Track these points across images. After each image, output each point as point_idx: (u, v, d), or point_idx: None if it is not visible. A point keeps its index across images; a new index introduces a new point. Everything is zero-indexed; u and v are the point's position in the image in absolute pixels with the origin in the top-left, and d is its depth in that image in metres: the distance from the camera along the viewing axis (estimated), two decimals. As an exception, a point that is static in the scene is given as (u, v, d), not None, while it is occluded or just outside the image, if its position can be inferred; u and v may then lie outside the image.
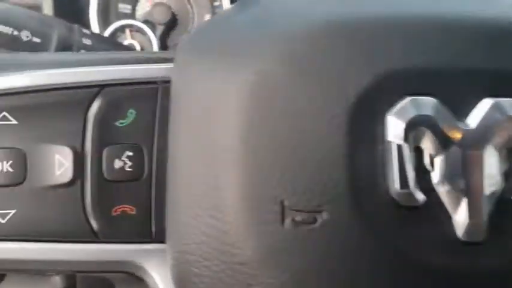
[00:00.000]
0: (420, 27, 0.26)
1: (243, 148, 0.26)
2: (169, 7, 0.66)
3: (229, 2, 0.66)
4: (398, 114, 0.25)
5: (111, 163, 0.29)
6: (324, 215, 0.25)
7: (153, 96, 0.30)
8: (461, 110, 0.25)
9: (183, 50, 0.30)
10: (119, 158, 0.29)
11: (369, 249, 0.25)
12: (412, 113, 0.25)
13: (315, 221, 0.25)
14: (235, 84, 0.26)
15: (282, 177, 0.25)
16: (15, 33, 0.41)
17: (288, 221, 0.25)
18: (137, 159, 0.29)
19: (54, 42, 0.43)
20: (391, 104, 0.25)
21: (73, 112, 0.29)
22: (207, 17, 0.68)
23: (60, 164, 0.28)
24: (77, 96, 0.29)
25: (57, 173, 0.28)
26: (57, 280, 0.61)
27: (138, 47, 0.64)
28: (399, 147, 0.25)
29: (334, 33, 0.26)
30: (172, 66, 0.30)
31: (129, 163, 0.29)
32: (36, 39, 0.42)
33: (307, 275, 0.25)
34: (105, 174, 0.28)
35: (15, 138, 0.28)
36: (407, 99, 0.25)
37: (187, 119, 0.27)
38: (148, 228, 0.29)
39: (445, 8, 0.27)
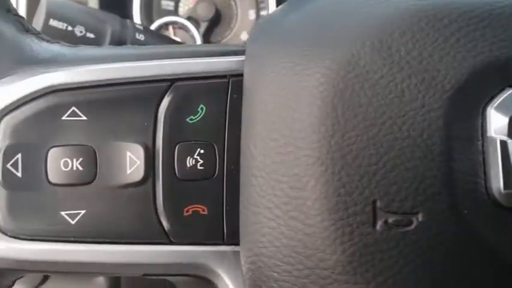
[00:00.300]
0: None
1: (328, 144, 0.24)
2: (213, 3, 0.65)
3: (274, -5, 0.65)
4: (501, 108, 0.23)
5: (183, 161, 0.27)
6: (420, 217, 0.23)
7: (223, 91, 0.28)
8: None
9: (255, 42, 0.28)
10: (191, 156, 0.27)
11: (468, 253, 0.23)
12: None
13: (410, 223, 0.23)
14: (319, 75, 0.25)
15: (374, 176, 0.23)
16: (69, 28, 0.40)
17: (380, 223, 0.23)
18: (209, 157, 0.28)
19: (108, 38, 0.42)
20: (492, 96, 0.23)
21: (143, 108, 0.27)
22: (251, 12, 0.66)
23: (131, 162, 0.27)
24: (147, 91, 0.27)
25: (129, 171, 0.27)
26: (101, 280, 0.61)
27: (181, 44, 0.63)
28: (502, 143, 0.23)
29: (428, 22, 0.24)
30: (242, 58, 0.28)
31: (201, 161, 0.27)
32: (90, 35, 0.41)
33: (400, 280, 0.23)
34: (177, 173, 0.27)
35: (84, 135, 0.27)
36: (510, 90, 0.23)
37: (263, 113, 0.26)
38: (220, 229, 0.28)
39: None
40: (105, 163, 0.27)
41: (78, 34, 0.41)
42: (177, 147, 0.27)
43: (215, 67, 0.28)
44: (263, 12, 0.66)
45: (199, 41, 0.64)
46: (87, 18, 0.42)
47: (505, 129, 0.23)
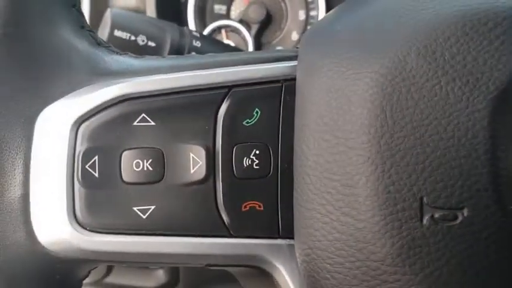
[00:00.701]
0: None
1: (378, 144, 0.26)
2: (263, 5, 0.67)
3: (323, -4, 0.67)
4: None
5: (240, 161, 0.29)
6: (465, 212, 0.24)
7: (277, 95, 0.30)
8: None
9: (307, 48, 0.30)
10: (247, 156, 0.30)
11: None
12: None
13: (455, 218, 0.25)
14: (368, 79, 0.26)
15: (421, 174, 0.25)
16: (132, 38, 0.43)
17: (426, 218, 0.25)
18: (264, 157, 0.30)
19: (167, 46, 0.45)
20: None
21: (204, 112, 0.30)
22: (301, 13, 0.68)
23: (194, 162, 0.29)
24: (207, 98, 0.30)
25: (192, 170, 0.29)
26: (161, 274, 0.64)
27: (233, 47, 0.66)
28: None
29: (473, 26, 0.25)
30: (295, 63, 0.30)
31: (257, 161, 0.30)
32: (152, 43, 0.44)
33: (446, 272, 0.25)
34: (235, 172, 0.29)
35: (153, 138, 0.29)
36: None
37: (316, 116, 0.28)
38: (276, 224, 0.30)
39: None
40: (171, 164, 0.29)
41: (141, 43, 0.44)
42: (235, 148, 0.30)
43: (269, 73, 0.30)
44: (313, 13, 0.67)
45: (250, 42, 0.66)
46: (149, 27, 0.45)
47: None
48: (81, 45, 0.31)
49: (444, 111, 0.25)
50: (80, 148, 0.29)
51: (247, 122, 0.30)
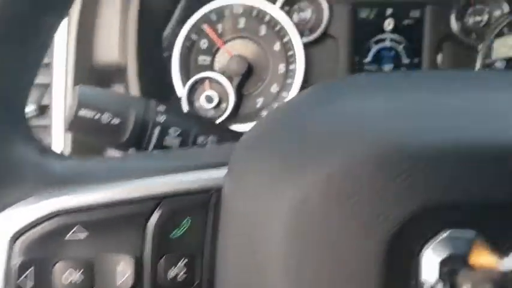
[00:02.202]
0: (460, 158, 0.26)
1: (286, 275, 0.27)
2: (245, 59, 0.69)
3: (302, 51, 0.68)
4: (434, 251, 0.25)
5: (166, 272, 0.31)
6: None
7: (206, 204, 0.32)
8: (503, 245, 0.25)
9: (236, 159, 0.32)
10: (174, 265, 0.31)
11: None
12: (447, 251, 0.25)
13: None
14: (277, 208, 0.28)
15: None
16: (97, 116, 0.45)
17: None
18: (190, 267, 0.31)
19: (131, 122, 0.47)
20: (427, 239, 0.25)
21: (135, 223, 0.32)
22: (281, 66, 0.69)
23: (123, 272, 0.31)
24: (138, 209, 0.32)
25: (120, 281, 0.31)
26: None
27: (216, 98, 0.68)
28: (433, 285, 0.25)
29: (372, 166, 0.27)
30: (224, 173, 0.32)
31: (184, 270, 0.31)
32: (116, 121, 0.46)
33: None
34: (162, 282, 0.31)
35: (85, 249, 0.31)
36: (444, 234, 0.25)
37: (234, 232, 0.29)
38: None
39: (488, 134, 0.27)
40: (100, 274, 0.31)
41: (105, 121, 0.46)
42: (162, 259, 0.31)
43: (200, 184, 0.32)
44: (291, 66, 0.69)
45: (232, 94, 0.68)
46: (114, 104, 0.47)
47: (436, 273, 0.25)
48: (29, 155, 0.33)
49: (343, 250, 0.26)
50: (16, 261, 0.31)
51: (176, 233, 0.32)
